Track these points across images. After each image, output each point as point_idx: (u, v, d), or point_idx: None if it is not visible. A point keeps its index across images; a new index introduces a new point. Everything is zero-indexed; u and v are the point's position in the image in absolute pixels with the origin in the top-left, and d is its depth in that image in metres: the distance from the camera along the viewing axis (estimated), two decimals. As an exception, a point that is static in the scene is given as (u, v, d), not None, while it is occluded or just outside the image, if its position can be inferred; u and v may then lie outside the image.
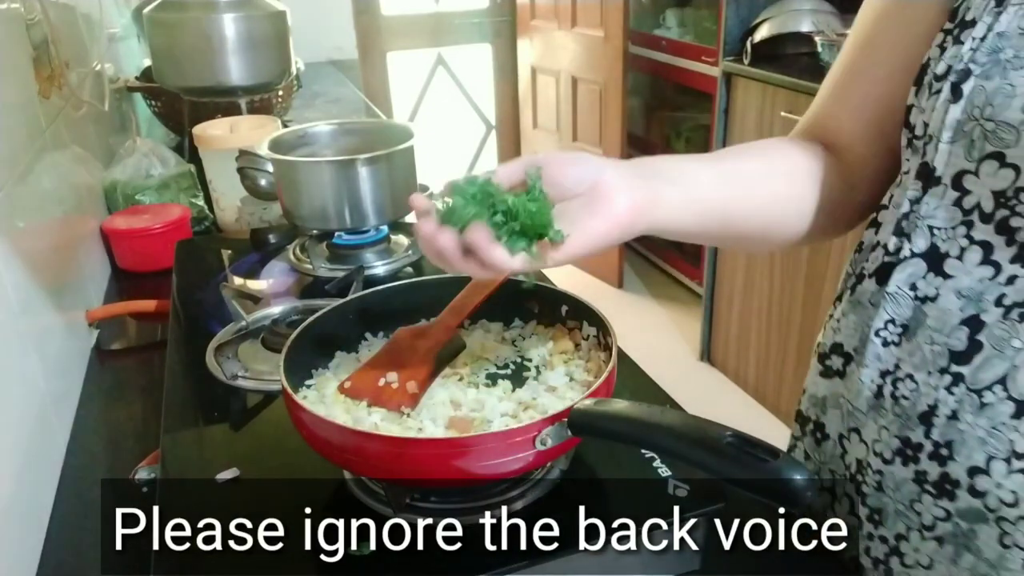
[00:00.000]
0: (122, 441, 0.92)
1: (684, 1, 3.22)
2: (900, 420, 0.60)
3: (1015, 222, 0.54)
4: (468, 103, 4.00)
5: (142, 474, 0.82)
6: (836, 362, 0.67)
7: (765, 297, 2.48)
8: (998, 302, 0.55)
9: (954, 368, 0.57)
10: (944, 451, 0.58)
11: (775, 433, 2.34)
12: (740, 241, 0.71)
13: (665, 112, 3.41)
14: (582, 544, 0.59)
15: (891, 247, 0.62)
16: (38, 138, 1.06)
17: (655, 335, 3.10)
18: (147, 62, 1.99)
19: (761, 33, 2.33)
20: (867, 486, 0.64)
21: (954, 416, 0.57)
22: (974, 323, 0.56)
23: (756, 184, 0.66)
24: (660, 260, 3.57)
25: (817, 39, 2.22)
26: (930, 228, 0.59)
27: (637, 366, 0.86)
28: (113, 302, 1.24)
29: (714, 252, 2.69)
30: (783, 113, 2.22)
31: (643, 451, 0.67)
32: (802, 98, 2.16)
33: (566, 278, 3.49)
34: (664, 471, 0.65)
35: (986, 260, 0.55)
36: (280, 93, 1.95)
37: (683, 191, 0.61)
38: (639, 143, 3.43)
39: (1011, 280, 0.54)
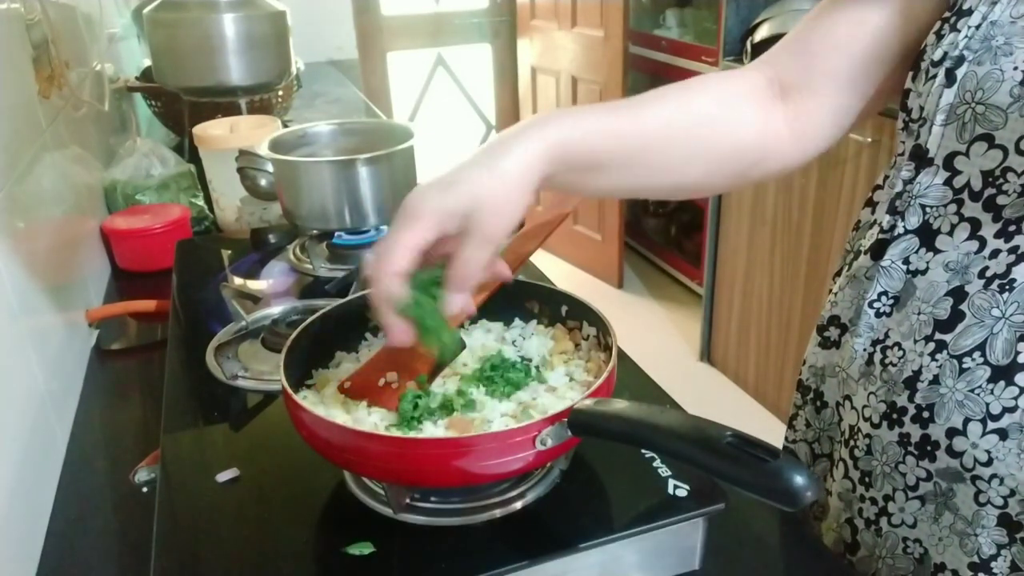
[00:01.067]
0: (122, 441, 0.92)
1: (684, 1, 3.23)
2: (887, 386, 0.64)
3: (1001, 199, 0.57)
4: (468, 103, 4.00)
5: (142, 475, 0.82)
6: (833, 333, 0.71)
7: (765, 297, 2.48)
8: (981, 274, 0.58)
9: (938, 336, 0.60)
10: (925, 414, 0.61)
11: (775, 433, 2.33)
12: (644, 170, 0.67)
13: (665, 112, 3.41)
14: (582, 544, 0.59)
15: (885, 225, 0.65)
16: (38, 138, 1.06)
17: (655, 335, 3.10)
18: (147, 62, 1.99)
19: (761, 33, 2.33)
20: (858, 450, 0.68)
21: (935, 381, 0.60)
22: (958, 294, 0.59)
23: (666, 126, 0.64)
24: (660, 260, 3.57)
25: (817, 39, 2.21)
26: (922, 206, 0.62)
27: (637, 366, 0.86)
28: (113, 302, 1.24)
29: (714, 252, 2.69)
30: (783, 113, 2.22)
31: (643, 451, 0.67)
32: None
33: (566, 278, 3.49)
34: (664, 471, 0.65)
35: (973, 235, 0.59)
36: (280, 93, 1.95)
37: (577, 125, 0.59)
38: (639, 143, 3.43)
39: (994, 254, 0.58)
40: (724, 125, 0.67)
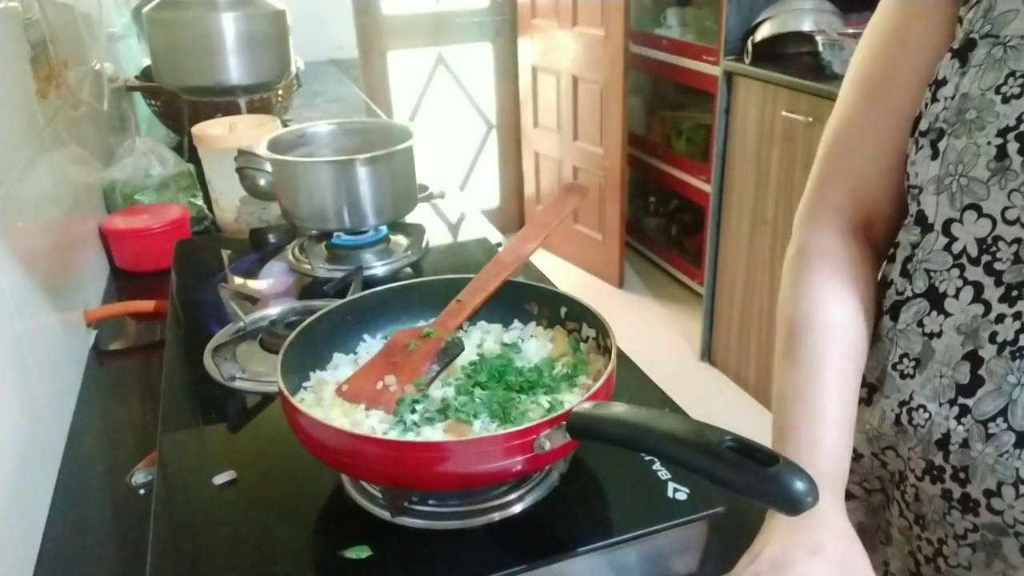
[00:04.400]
0: (120, 442, 0.92)
1: (685, 0, 3.22)
2: (923, 444, 0.64)
3: (998, 265, 0.58)
4: (469, 102, 3.99)
5: (139, 476, 0.82)
6: (862, 392, 0.70)
7: (766, 296, 2.47)
8: (992, 339, 0.58)
9: (961, 400, 0.61)
10: (962, 474, 0.62)
11: (776, 433, 2.34)
12: None
13: (666, 111, 3.41)
14: (581, 548, 0.59)
15: (899, 287, 0.66)
16: (36, 138, 1.06)
17: (655, 335, 3.10)
18: (146, 61, 1.98)
19: (762, 32, 2.33)
20: (908, 496, 0.68)
21: (965, 444, 0.61)
22: (974, 358, 0.60)
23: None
24: (661, 260, 3.57)
25: (818, 38, 2.21)
26: (927, 271, 0.63)
27: (637, 367, 0.86)
28: (112, 302, 1.24)
29: (715, 252, 2.69)
30: (784, 112, 2.22)
31: (642, 454, 0.66)
32: (803, 97, 2.16)
33: (567, 277, 3.49)
34: (664, 474, 0.65)
35: (977, 298, 0.59)
36: (280, 92, 1.94)
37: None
38: (640, 142, 3.43)
39: (1000, 319, 0.58)
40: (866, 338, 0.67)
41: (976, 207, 0.58)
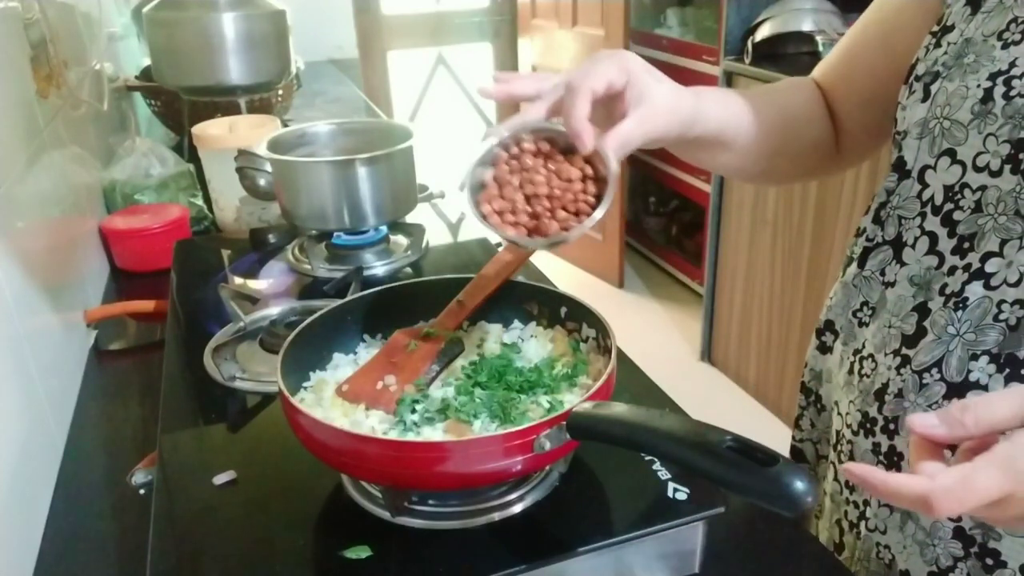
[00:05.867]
0: (120, 442, 0.92)
1: (685, 0, 3.22)
2: (862, 396, 0.66)
3: (957, 215, 0.58)
4: (469, 102, 3.99)
5: (139, 477, 0.82)
6: (828, 338, 0.73)
7: (766, 297, 2.47)
8: (941, 291, 0.59)
9: (904, 351, 0.61)
10: (892, 426, 0.63)
11: (776, 433, 2.34)
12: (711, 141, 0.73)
13: (666, 111, 3.40)
14: (581, 548, 0.59)
15: (870, 234, 0.67)
16: (36, 138, 1.06)
17: (655, 335, 3.10)
18: (146, 61, 1.99)
19: (762, 32, 2.33)
20: (843, 455, 0.70)
21: (900, 395, 0.62)
22: (923, 310, 0.60)
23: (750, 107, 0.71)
24: (661, 260, 3.57)
25: (818, 38, 2.21)
26: (899, 217, 0.64)
27: (637, 367, 0.86)
28: (111, 302, 1.24)
29: (715, 252, 2.69)
30: (784, 113, 2.21)
31: (642, 454, 0.66)
32: (803, 98, 2.15)
33: (567, 277, 3.49)
34: (664, 474, 0.65)
35: (932, 250, 0.60)
36: (280, 92, 1.95)
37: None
38: (640, 142, 3.42)
39: (951, 271, 0.58)
40: (808, 122, 0.74)
41: (951, 152, 0.58)
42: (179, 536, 0.63)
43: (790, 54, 2.38)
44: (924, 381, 0.59)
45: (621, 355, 0.73)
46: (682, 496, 0.62)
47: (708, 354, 2.86)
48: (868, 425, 0.65)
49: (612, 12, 3.02)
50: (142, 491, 0.80)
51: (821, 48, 2.19)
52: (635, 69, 0.59)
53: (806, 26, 2.29)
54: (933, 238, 0.60)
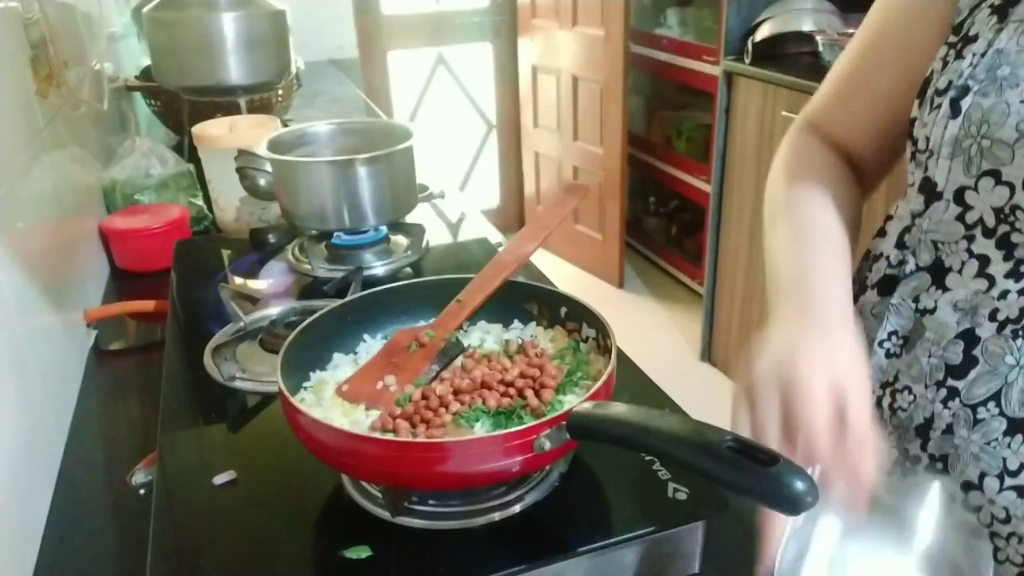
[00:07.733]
0: (120, 442, 0.92)
1: (685, 0, 3.22)
2: (898, 432, 0.61)
3: (1016, 238, 0.54)
4: (469, 102, 3.99)
5: (139, 477, 0.82)
6: None
7: (766, 296, 2.47)
8: (992, 316, 0.55)
9: (950, 382, 0.57)
10: (939, 464, 0.58)
11: (776, 433, 2.33)
12: None
13: (666, 111, 3.41)
14: (580, 548, 0.58)
15: (893, 260, 0.63)
16: (36, 138, 1.06)
17: (655, 335, 3.10)
18: (146, 61, 1.98)
19: (762, 32, 2.33)
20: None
21: (949, 430, 0.57)
22: (969, 337, 0.56)
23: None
24: (661, 260, 3.57)
25: (818, 38, 2.21)
26: (934, 243, 0.59)
27: (637, 367, 0.85)
28: (112, 302, 1.24)
29: (715, 252, 2.69)
30: (784, 112, 2.22)
31: (642, 454, 0.66)
32: (803, 98, 2.15)
33: (567, 277, 3.49)
34: (664, 474, 0.65)
35: (981, 273, 0.56)
36: (280, 92, 1.94)
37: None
38: (640, 142, 3.42)
39: (1003, 295, 0.55)
40: (857, 200, 0.69)
41: (995, 173, 0.54)
42: (179, 536, 0.63)
43: (790, 54, 2.38)
44: (979, 416, 0.55)
45: (621, 355, 0.73)
46: (682, 496, 0.62)
47: (708, 354, 2.86)
48: (908, 464, 0.60)
49: (612, 12, 3.02)
50: (142, 491, 0.80)
51: (821, 48, 2.19)
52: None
53: (806, 26, 2.29)
54: (984, 261, 0.56)
